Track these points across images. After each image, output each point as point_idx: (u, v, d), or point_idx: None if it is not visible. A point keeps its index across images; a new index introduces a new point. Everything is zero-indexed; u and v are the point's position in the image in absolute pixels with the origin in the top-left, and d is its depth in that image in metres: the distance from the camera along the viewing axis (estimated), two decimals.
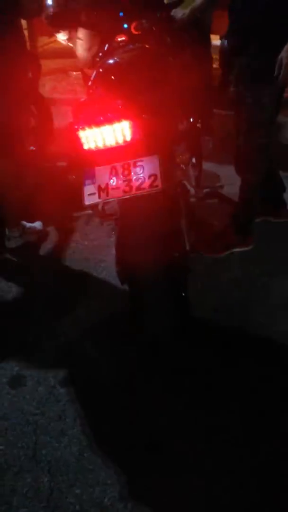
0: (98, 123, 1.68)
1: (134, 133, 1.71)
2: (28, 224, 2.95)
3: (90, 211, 2.42)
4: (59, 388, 2.03)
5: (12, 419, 1.91)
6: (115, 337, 2.22)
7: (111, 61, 2.09)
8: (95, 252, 2.85)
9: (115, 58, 2.12)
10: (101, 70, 2.09)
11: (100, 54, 2.36)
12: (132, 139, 1.71)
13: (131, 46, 2.14)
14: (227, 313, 2.27)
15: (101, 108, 1.74)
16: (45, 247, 2.91)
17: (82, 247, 2.92)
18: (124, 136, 1.70)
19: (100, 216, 2.41)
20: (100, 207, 2.34)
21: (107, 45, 2.29)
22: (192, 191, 2.08)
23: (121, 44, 2.22)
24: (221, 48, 2.41)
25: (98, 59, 2.39)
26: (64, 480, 1.68)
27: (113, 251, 2.72)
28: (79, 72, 6.09)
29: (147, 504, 1.59)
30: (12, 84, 2.53)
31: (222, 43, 2.41)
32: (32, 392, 2.02)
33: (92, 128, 1.69)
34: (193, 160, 2.23)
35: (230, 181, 3.12)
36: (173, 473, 1.67)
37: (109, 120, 1.68)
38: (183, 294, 2.08)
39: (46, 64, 6.04)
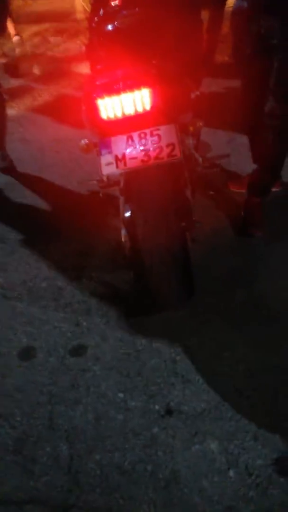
0: (118, 91, 1.65)
1: (153, 101, 1.68)
2: None
3: (93, 182, 2.40)
4: (69, 357, 2.05)
5: (26, 391, 1.92)
6: (122, 307, 2.24)
7: (118, 25, 2.04)
8: (94, 223, 2.84)
9: (120, 23, 2.07)
10: (106, 34, 2.04)
11: (96, 19, 2.30)
12: (151, 107, 1.69)
13: (135, 10, 2.08)
14: (230, 281, 2.31)
15: (120, 75, 1.70)
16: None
17: (80, 217, 2.91)
18: (143, 104, 1.68)
19: (104, 186, 2.40)
20: (105, 177, 2.34)
21: (102, 10, 2.23)
22: (200, 160, 2.07)
23: (115, 8, 2.16)
24: (237, 9, 2.35)
25: (94, 24, 2.33)
26: (82, 447, 1.72)
27: (112, 222, 2.77)
28: (59, 38, 5.96)
29: (166, 467, 1.64)
30: None
31: (238, 4, 2.35)
32: (43, 363, 2.03)
33: (111, 96, 1.66)
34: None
35: (220, 150, 3.16)
36: (189, 436, 1.72)
37: (130, 88, 1.65)
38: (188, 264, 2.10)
39: (23, 29, 5.89)
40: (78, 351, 2.07)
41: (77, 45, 5.44)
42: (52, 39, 5.87)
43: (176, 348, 2.03)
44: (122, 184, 2.17)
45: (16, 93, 4.66)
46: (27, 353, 2.08)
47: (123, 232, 2.18)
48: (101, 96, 1.70)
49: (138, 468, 1.64)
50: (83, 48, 2.56)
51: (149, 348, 2.04)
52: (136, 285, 2.29)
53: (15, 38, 5.13)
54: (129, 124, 1.79)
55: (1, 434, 1.78)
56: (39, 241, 2.74)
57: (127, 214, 2.09)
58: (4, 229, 2.85)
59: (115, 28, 2.06)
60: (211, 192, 2.91)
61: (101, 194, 2.61)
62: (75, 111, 3.41)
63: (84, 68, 4.77)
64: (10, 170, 3.38)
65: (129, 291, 2.32)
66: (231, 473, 1.60)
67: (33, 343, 2.12)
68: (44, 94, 4.66)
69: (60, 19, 6.23)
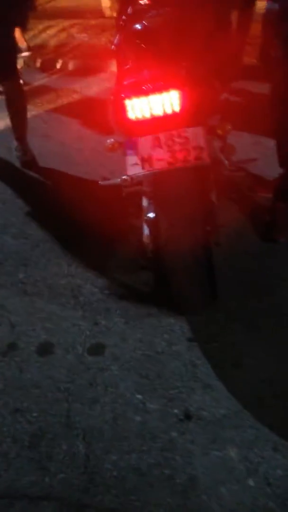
0: (147, 92, 1.64)
1: (182, 103, 1.67)
2: None
3: (117, 180, 2.39)
4: (87, 356, 2.03)
5: (43, 386, 1.91)
6: (142, 308, 2.22)
7: (147, 24, 2.02)
8: (114, 222, 2.83)
9: (148, 22, 2.05)
10: (134, 33, 2.03)
11: (124, 17, 2.28)
12: (180, 109, 1.67)
13: (164, 9, 2.07)
14: (253, 287, 2.28)
15: (148, 76, 1.69)
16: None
17: (100, 215, 2.90)
18: (172, 105, 1.66)
19: (127, 185, 2.38)
20: (129, 178, 2.32)
21: (130, 8, 2.22)
22: (227, 164, 2.05)
23: (144, 7, 2.15)
24: (269, 11, 2.33)
25: (121, 22, 2.32)
26: (99, 447, 1.70)
27: (132, 222, 2.75)
28: (85, 35, 5.96)
29: (183, 472, 1.61)
30: None
31: (269, 6, 2.33)
32: (61, 360, 2.02)
33: (140, 97, 1.64)
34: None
35: (245, 152, 3.12)
36: (208, 442, 1.69)
37: (159, 89, 1.63)
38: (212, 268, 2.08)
39: (49, 25, 5.91)
40: (97, 349, 2.06)
41: (103, 43, 5.43)
42: (77, 35, 5.87)
43: (197, 352, 2.01)
44: (146, 185, 2.16)
45: (40, 89, 4.67)
46: (45, 349, 2.07)
47: (145, 232, 2.17)
48: (129, 97, 1.69)
49: (155, 472, 1.62)
50: (111, 46, 2.55)
51: (169, 351, 2.02)
52: (156, 287, 2.27)
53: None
54: (156, 125, 1.77)
55: (18, 429, 1.77)
56: (59, 238, 2.73)
57: (150, 215, 2.08)
58: (26, 224, 2.85)
59: (144, 27, 2.04)
60: (236, 196, 2.88)
61: (124, 194, 2.60)
62: (99, 109, 3.42)
63: (110, 67, 4.77)
64: (31, 164, 3.38)
65: (149, 293, 2.31)
66: (250, 482, 1.57)
67: (51, 339, 2.11)
68: (69, 91, 4.66)
69: (86, 16, 6.22)
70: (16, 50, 3.30)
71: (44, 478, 1.61)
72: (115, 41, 2.46)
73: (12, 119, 3.29)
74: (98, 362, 2.00)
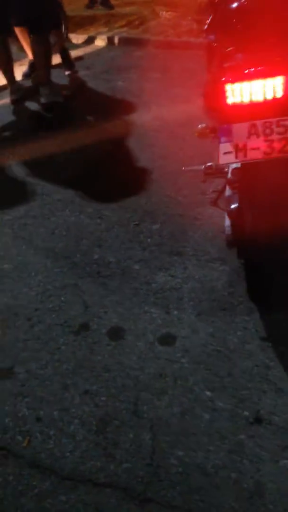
0: (250, 77, 1.55)
1: (286, 90, 1.56)
2: None
3: (201, 167, 2.32)
4: (158, 345, 2.00)
5: (113, 371, 1.90)
6: (216, 302, 2.17)
7: (244, 2, 1.91)
8: (189, 209, 2.77)
9: (249, 1, 1.93)
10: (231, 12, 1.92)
11: None
12: (282, 96, 1.57)
13: None
14: None
15: (251, 59, 1.59)
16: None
17: (175, 202, 2.85)
18: (274, 92, 1.56)
19: (210, 173, 2.31)
20: (213, 165, 2.24)
21: None
22: None
23: None
24: None
25: (216, 0, 2.21)
26: (166, 440, 1.68)
27: (208, 210, 2.68)
28: (171, 13, 5.83)
29: (251, 477, 1.56)
30: None
31: None
32: (131, 346, 2.00)
33: (242, 82, 1.56)
34: None
35: None
36: (278, 449, 1.63)
37: (263, 75, 1.54)
38: None
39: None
40: (167, 340, 2.02)
41: (189, 21, 5.30)
42: (163, 13, 5.75)
43: (270, 353, 1.93)
44: (232, 174, 2.08)
45: (127, 62, 4.64)
46: (116, 333, 2.06)
47: (226, 223, 2.09)
48: (230, 81, 1.60)
49: (221, 473, 1.58)
50: (203, 26, 2.45)
51: (241, 349, 1.96)
52: (232, 281, 2.20)
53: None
54: (254, 112, 1.68)
55: (86, 411, 1.77)
56: (134, 220, 2.70)
57: (234, 206, 2.00)
58: (101, 205, 2.84)
59: (242, 6, 1.92)
60: None
61: (205, 181, 2.52)
62: (184, 90, 3.32)
63: (198, 47, 4.65)
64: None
65: (224, 286, 2.24)
66: None
67: (122, 324, 2.10)
68: (152, 68, 4.60)
69: None
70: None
71: (109, 465, 1.61)
72: (209, 20, 2.36)
73: None
74: (168, 353, 1.97)
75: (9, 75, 3.95)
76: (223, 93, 1.61)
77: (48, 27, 3.83)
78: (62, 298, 2.23)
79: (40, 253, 2.49)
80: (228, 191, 2.14)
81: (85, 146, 3.43)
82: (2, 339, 2.04)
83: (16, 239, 2.58)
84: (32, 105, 4.17)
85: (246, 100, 1.60)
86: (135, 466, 1.61)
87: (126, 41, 5.32)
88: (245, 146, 1.67)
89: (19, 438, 1.68)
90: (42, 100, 3.94)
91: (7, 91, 4.17)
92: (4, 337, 2.05)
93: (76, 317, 2.13)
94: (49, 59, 3.85)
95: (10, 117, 3.90)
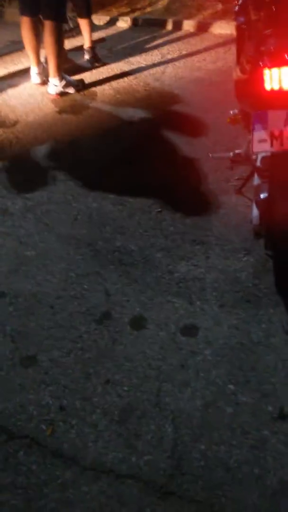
0: None
1: None
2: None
3: (229, 154, 2.27)
4: (180, 336, 1.98)
5: (135, 361, 1.89)
6: (239, 293, 2.13)
7: None
8: (213, 197, 2.73)
9: None
10: None
11: None
12: None
13: None
14: None
15: None
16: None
17: (199, 189, 2.80)
18: None
19: (237, 161, 2.26)
20: (242, 152, 2.18)
21: None
22: None
23: None
24: None
25: None
26: (188, 433, 1.66)
27: (232, 198, 2.63)
28: None
29: (274, 474, 1.54)
30: None
31: None
32: (154, 336, 1.99)
33: (283, 67, 1.50)
34: None
35: None
36: None
37: None
38: None
39: None
40: (190, 330, 2.00)
41: (213, 2, 5.17)
42: None
43: None
44: (262, 162, 2.02)
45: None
46: (138, 323, 2.04)
47: (254, 213, 2.04)
48: (270, 66, 1.55)
49: (244, 469, 1.56)
50: (234, 7, 2.37)
51: (265, 343, 1.93)
52: (256, 271, 2.16)
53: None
54: None
55: (108, 401, 1.76)
56: (157, 208, 2.67)
57: (264, 195, 1.95)
58: (123, 192, 2.80)
59: None
60: None
61: (232, 169, 2.47)
62: (209, 73, 3.22)
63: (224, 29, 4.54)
64: None
65: (247, 277, 2.20)
66: None
67: (144, 314, 2.08)
68: (174, 51, 4.51)
69: None
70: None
71: (131, 457, 1.60)
72: (240, 1, 2.29)
73: None
74: (191, 344, 1.95)
75: (37, 57, 3.93)
76: (261, 78, 1.55)
77: (61, 16, 3.73)
78: (85, 286, 2.21)
79: (62, 240, 2.47)
80: (256, 180, 2.09)
81: (107, 131, 3.39)
82: (27, 326, 2.04)
83: (38, 225, 2.57)
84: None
85: (285, 86, 1.54)
86: (157, 459, 1.60)
87: (148, 22, 5.21)
88: (281, 134, 1.61)
89: (43, 427, 1.68)
90: (50, 90, 3.84)
91: (29, 74, 4.13)
92: (28, 324, 2.04)
93: (98, 305, 2.12)
94: (59, 49, 3.72)
95: (34, 100, 3.86)
